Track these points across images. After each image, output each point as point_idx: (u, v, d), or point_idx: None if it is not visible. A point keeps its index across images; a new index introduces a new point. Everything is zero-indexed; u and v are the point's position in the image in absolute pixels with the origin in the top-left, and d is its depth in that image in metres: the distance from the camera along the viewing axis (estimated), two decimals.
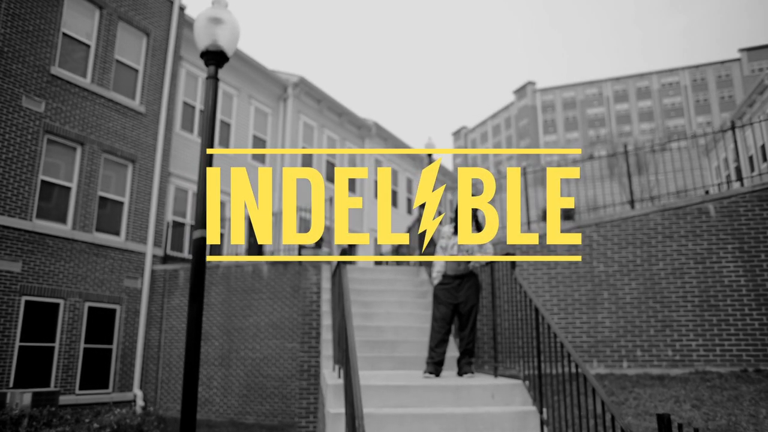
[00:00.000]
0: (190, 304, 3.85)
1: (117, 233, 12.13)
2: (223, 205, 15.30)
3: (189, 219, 14.09)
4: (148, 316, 12.34)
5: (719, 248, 7.68)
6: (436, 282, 5.49)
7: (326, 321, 7.26)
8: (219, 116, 15.50)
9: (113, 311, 11.79)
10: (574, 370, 3.80)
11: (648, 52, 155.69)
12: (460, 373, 5.25)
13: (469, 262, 5.36)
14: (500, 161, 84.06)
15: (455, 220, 5.56)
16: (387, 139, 22.61)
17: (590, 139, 76.04)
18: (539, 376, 4.00)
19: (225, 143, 15.66)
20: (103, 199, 11.89)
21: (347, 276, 4.19)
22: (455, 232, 5.50)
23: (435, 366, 5.17)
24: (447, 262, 5.45)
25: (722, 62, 75.27)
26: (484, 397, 4.25)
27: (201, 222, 3.95)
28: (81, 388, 10.85)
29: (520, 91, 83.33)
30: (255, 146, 16.74)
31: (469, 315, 5.25)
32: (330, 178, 19.38)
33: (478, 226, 5.51)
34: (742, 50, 72.63)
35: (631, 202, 8.34)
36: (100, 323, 11.50)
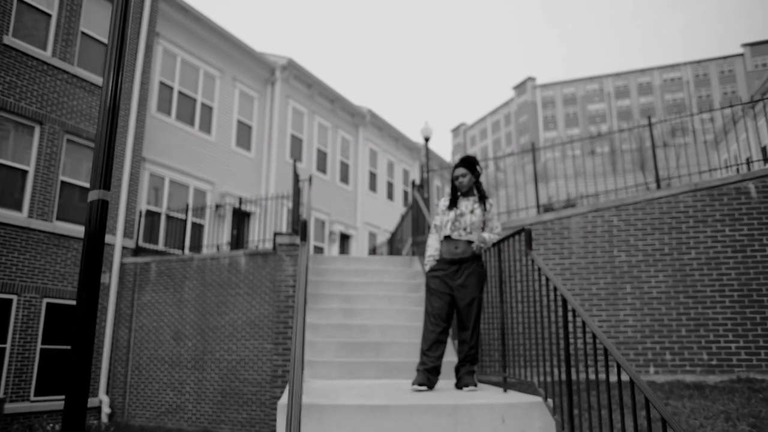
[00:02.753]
0: (80, 293, 2.74)
1: (82, 222, 11.00)
2: (204, 194, 14.19)
3: (165, 208, 12.97)
4: (117, 314, 11.22)
5: (762, 234, 6.57)
6: (428, 268, 4.39)
7: (308, 318, 6.15)
8: (200, 99, 14.39)
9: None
10: (601, 377, 2.69)
11: (646, 51, 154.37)
12: (460, 386, 4.14)
13: (470, 242, 4.26)
14: (500, 157, 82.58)
15: (452, 191, 4.46)
16: (382, 128, 21.49)
17: (591, 136, 74.82)
18: (570, 392, 2.90)
19: (206, 128, 14.54)
20: (65, 185, 10.77)
21: (306, 257, 3.09)
22: (450, 206, 4.42)
23: (428, 375, 4.06)
24: (442, 243, 4.34)
25: (725, 57, 74.14)
26: (492, 421, 3.14)
27: (99, 179, 2.84)
28: (36, 395, 9.73)
29: (520, 87, 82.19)
30: (240, 132, 15.62)
31: (470, 311, 4.15)
32: (321, 167, 18.26)
33: (481, 197, 4.40)
34: (745, 45, 71.50)
35: (657, 182, 7.24)
36: (61, 321, 10.38)
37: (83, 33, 11.32)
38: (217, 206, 13.95)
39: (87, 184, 11.12)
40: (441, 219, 4.39)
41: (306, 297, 4.81)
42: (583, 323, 2.74)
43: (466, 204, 4.37)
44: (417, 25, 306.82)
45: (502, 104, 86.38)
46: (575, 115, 78.27)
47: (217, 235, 13.86)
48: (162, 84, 13.44)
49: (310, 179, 8.15)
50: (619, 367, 2.43)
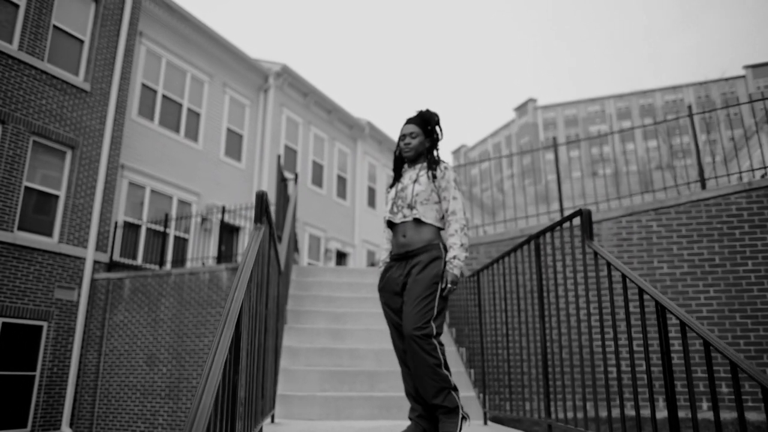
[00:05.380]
0: None
1: (48, 234, 9.94)
2: (189, 205, 13.14)
3: (145, 220, 11.91)
4: (86, 335, 10.09)
5: None
6: (380, 272, 3.09)
7: (286, 341, 5.04)
8: (186, 104, 13.43)
9: (38, 329, 9.54)
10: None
11: (653, 72, 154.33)
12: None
13: (418, 221, 2.89)
14: (500, 179, 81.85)
15: (396, 161, 3.14)
16: (382, 141, 20.53)
17: (593, 157, 74.15)
18: None
19: (193, 135, 13.55)
20: (30, 191, 9.73)
21: (260, 243, 2.03)
22: (393, 183, 3.12)
23: (423, 427, 2.78)
24: (392, 239, 3.02)
25: (726, 79, 73.72)
26: None
27: None
28: None
29: (521, 109, 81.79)
30: (229, 141, 14.62)
31: (416, 319, 2.72)
32: (317, 181, 17.24)
33: (431, 163, 3.00)
34: (746, 67, 71.22)
35: (702, 181, 6.19)
36: (20, 344, 9.24)
37: (55, 27, 10.38)
38: (203, 219, 12.90)
39: (55, 191, 10.08)
40: (387, 207, 3.12)
41: (277, 310, 3.74)
42: (706, 344, 1.67)
43: (410, 174, 3.04)
44: (419, 45, 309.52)
45: (502, 126, 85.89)
46: (577, 136, 77.67)
47: (202, 250, 12.78)
48: (145, 86, 12.48)
49: (296, 177, 7.12)
50: None
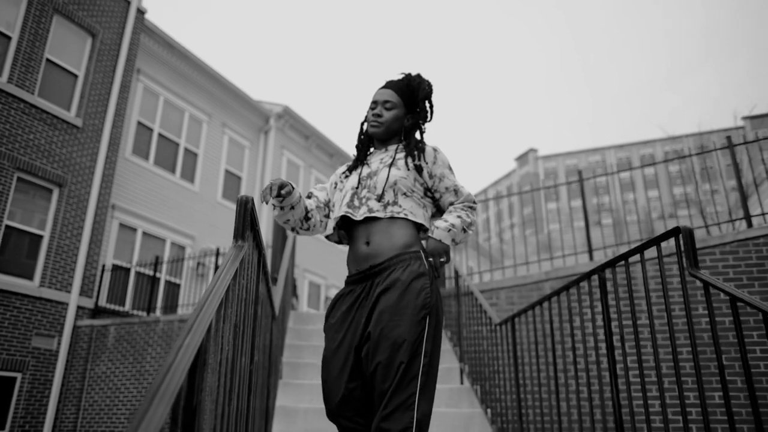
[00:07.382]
0: None
1: (29, 276, 9.25)
2: (183, 248, 12.49)
3: (135, 264, 11.22)
4: (64, 388, 9.26)
5: None
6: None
7: (280, 399, 4.30)
8: (183, 144, 12.95)
9: (11, 381, 8.73)
10: None
11: (676, 118, 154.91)
12: None
13: (394, 219, 1.94)
14: (503, 229, 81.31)
15: (361, 138, 2.19)
16: None
17: (594, 207, 73.91)
18: None
19: (189, 176, 13.02)
20: (12, 231, 9.10)
21: (242, 264, 1.39)
22: (353, 166, 2.17)
23: None
24: (349, 254, 2.06)
25: (726, 130, 74.39)
26: None
27: None
28: None
29: (522, 158, 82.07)
30: (227, 183, 14.09)
31: (393, 381, 1.72)
32: None
33: (411, 146, 2.08)
34: (745, 118, 71.84)
35: (747, 218, 5.58)
36: None
37: (48, 60, 9.98)
38: (198, 264, 12.22)
39: (39, 231, 9.45)
40: (334, 195, 2.21)
41: (269, 363, 3.05)
42: None
43: (381, 156, 2.11)
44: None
45: (503, 175, 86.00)
46: (578, 186, 77.73)
47: (195, 296, 12.04)
48: (140, 124, 12.02)
49: None
50: None
